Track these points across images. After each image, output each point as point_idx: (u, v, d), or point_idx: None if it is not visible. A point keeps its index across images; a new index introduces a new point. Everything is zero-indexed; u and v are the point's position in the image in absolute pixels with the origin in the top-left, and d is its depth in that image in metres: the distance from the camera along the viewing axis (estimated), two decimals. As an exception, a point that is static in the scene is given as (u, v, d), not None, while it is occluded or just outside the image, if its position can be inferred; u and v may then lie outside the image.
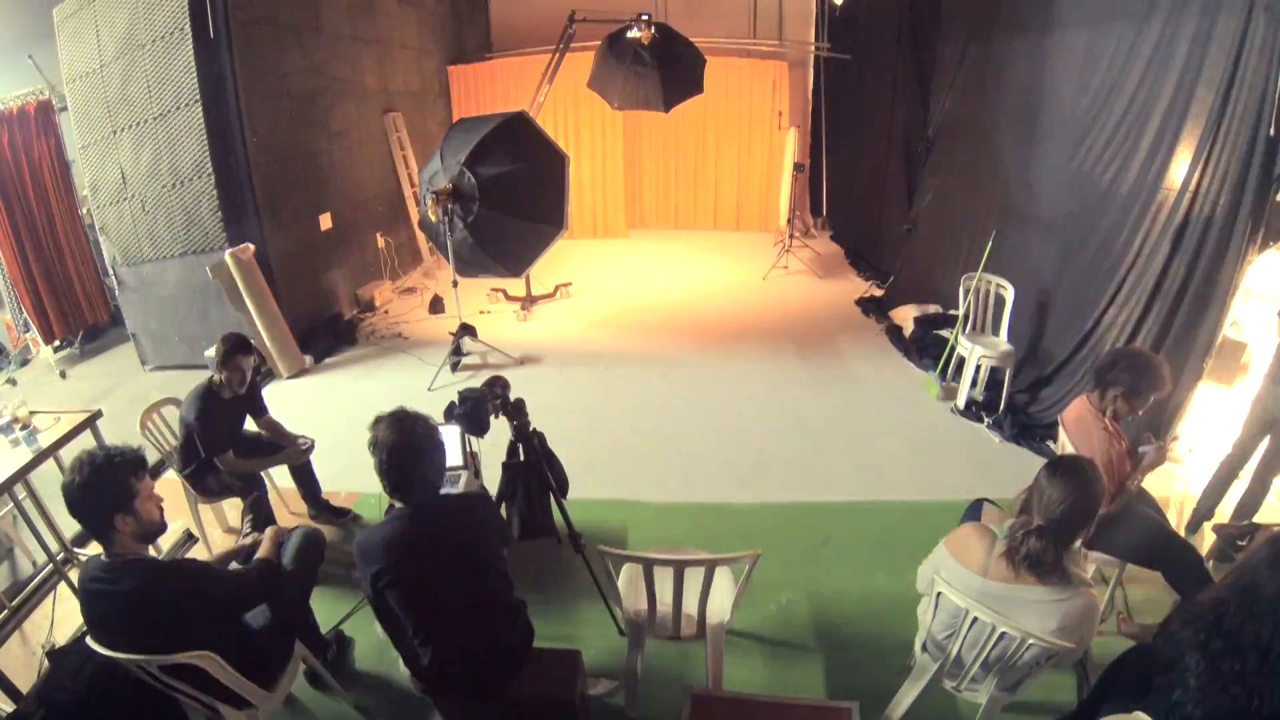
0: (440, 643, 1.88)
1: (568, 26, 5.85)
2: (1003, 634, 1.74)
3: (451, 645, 1.89)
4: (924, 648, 2.04)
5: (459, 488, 2.85)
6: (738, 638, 2.67)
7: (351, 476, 3.63)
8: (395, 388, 4.80)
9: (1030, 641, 1.69)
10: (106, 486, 1.72)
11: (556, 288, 6.45)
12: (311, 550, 2.39)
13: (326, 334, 5.51)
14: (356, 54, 6.21)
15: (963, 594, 1.81)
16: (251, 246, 4.67)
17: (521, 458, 2.70)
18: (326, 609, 2.82)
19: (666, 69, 5.40)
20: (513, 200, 4.68)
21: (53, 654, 2.27)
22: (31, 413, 2.88)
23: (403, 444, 1.76)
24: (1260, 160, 2.83)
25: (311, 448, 3.18)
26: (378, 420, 1.83)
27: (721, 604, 2.19)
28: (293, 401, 4.69)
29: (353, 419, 4.38)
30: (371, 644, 2.67)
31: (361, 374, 5.10)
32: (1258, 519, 2.98)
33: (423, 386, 4.74)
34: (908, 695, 2.07)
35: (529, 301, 6.14)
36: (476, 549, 1.89)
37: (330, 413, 4.50)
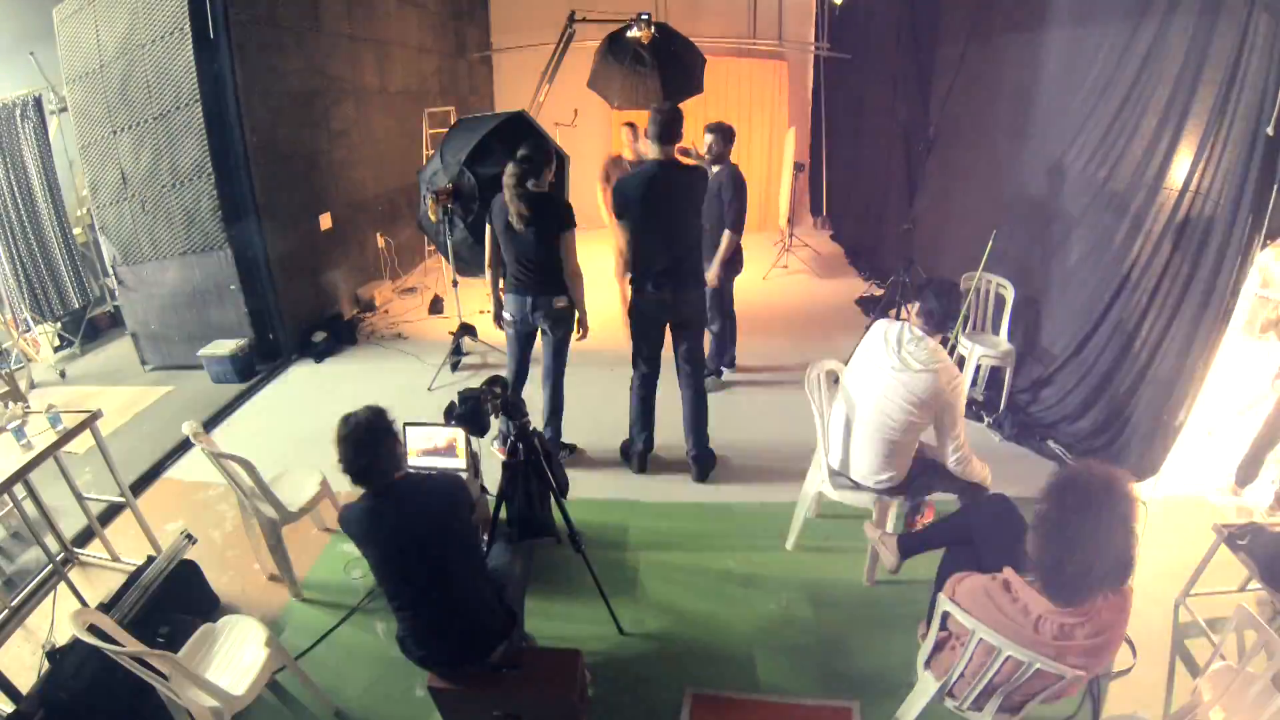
0: (412, 611, 2.02)
1: (567, 26, 5.85)
2: (1008, 656, 1.71)
3: (422, 614, 2.02)
4: (926, 664, 2.04)
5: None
6: (737, 638, 2.67)
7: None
8: (395, 388, 4.79)
9: (1036, 665, 1.66)
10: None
11: None
12: None
13: (327, 333, 5.51)
14: (356, 53, 6.20)
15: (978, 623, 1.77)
16: None
17: (521, 457, 2.69)
18: (326, 609, 2.83)
19: (666, 68, 5.41)
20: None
21: (52, 654, 2.27)
22: (28, 412, 2.88)
23: (352, 438, 1.98)
24: (1260, 160, 2.82)
25: None
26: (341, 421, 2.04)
27: None
28: (291, 401, 4.69)
29: (353, 419, 4.38)
30: (375, 643, 2.67)
31: (361, 374, 5.10)
32: (1256, 518, 2.98)
33: (423, 386, 4.73)
34: (909, 714, 2.07)
35: None
36: (439, 522, 1.99)
37: (329, 413, 4.47)
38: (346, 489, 3.32)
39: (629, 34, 5.27)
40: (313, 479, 2.98)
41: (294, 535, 3.07)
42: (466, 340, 5.16)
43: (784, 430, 4.11)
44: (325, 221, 5.81)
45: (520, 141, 4.85)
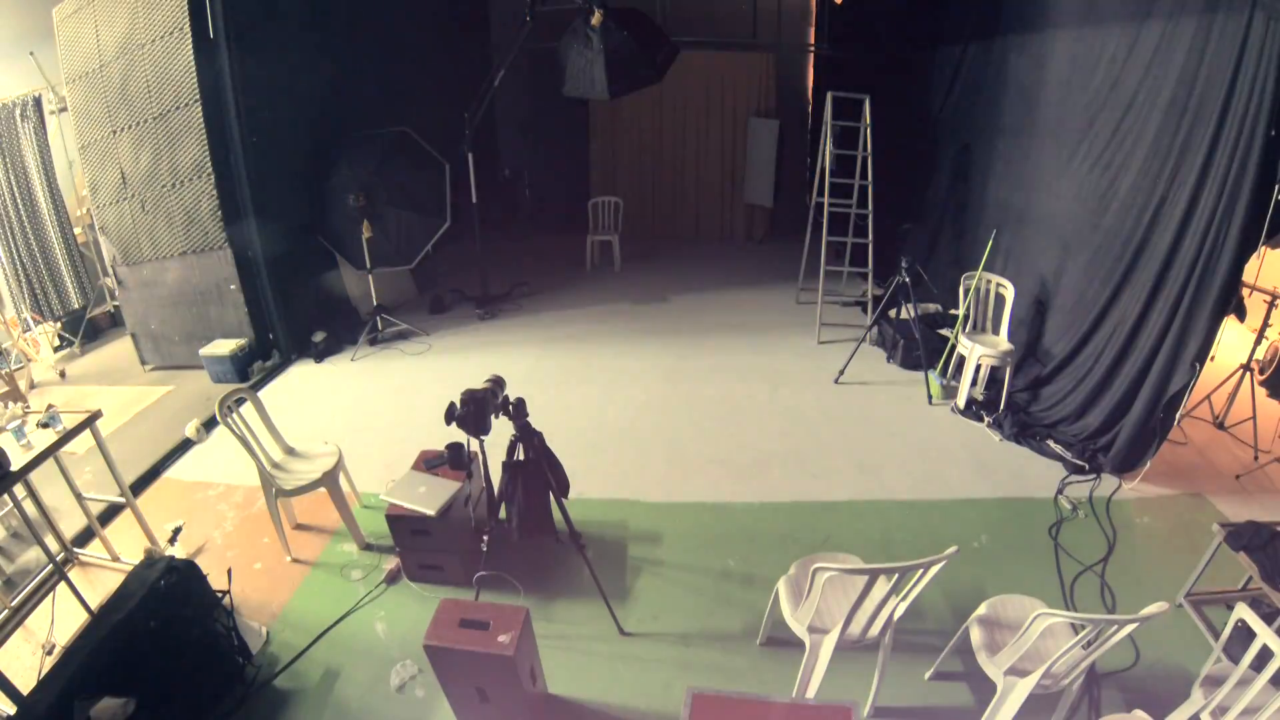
0: None
1: (525, 14, 5.48)
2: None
3: None
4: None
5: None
6: (737, 638, 2.67)
7: (353, 474, 3.63)
8: (395, 387, 4.80)
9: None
10: None
11: (513, 286, 6.53)
12: None
13: (327, 333, 5.51)
14: (356, 53, 6.18)
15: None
16: None
17: (521, 457, 2.69)
18: (327, 606, 2.83)
19: (613, 54, 4.80)
20: (411, 198, 5.65)
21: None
22: (28, 412, 2.88)
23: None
24: (1259, 160, 2.82)
25: None
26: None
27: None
28: (293, 401, 4.69)
29: (353, 418, 4.38)
30: (375, 643, 2.67)
31: (361, 373, 5.10)
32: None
33: (422, 386, 4.74)
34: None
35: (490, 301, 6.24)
36: None
37: (330, 412, 4.49)
38: (359, 464, 3.34)
39: (582, 18, 4.75)
40: (329, 450, 3.22)
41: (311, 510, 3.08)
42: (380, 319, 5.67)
43: (783, 429, 4.12)
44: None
45: (410, 151, 5.61)
